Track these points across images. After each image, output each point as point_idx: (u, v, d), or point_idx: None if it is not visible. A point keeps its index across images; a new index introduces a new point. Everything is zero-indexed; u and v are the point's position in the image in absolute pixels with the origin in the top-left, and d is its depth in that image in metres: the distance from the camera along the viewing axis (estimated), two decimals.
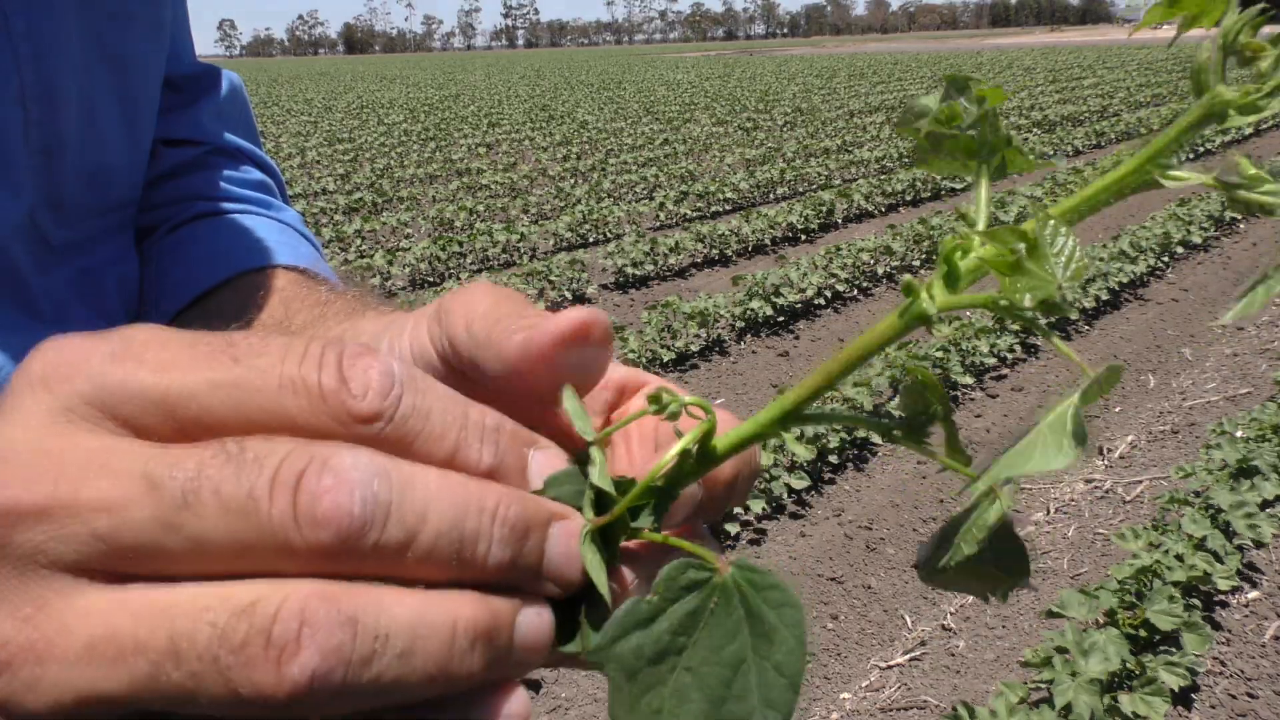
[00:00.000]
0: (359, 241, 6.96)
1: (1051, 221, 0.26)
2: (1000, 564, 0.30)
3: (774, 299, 5.09)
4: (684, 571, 0.28)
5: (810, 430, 3.35)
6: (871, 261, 5.86)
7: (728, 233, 6.49)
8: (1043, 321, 0.27)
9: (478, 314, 0.32)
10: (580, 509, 0.29)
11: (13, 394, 0.26)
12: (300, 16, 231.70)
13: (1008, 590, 0.31)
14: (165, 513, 0.24)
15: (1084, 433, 0.25)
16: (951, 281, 0.27)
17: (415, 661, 0.25)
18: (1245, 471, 2.99)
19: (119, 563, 0.24)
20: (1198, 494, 2.95)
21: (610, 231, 7.19)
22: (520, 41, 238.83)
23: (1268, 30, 0.25)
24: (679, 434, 0.30)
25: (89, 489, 0.24)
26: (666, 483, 0.30)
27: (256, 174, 0.78)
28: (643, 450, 0.35)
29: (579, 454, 0.31)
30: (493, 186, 9.08)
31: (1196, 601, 2.50)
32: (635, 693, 0.27)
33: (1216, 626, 2.60)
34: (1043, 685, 2.16)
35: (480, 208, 7.75)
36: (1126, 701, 2.10)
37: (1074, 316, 4.93)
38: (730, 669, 0.27)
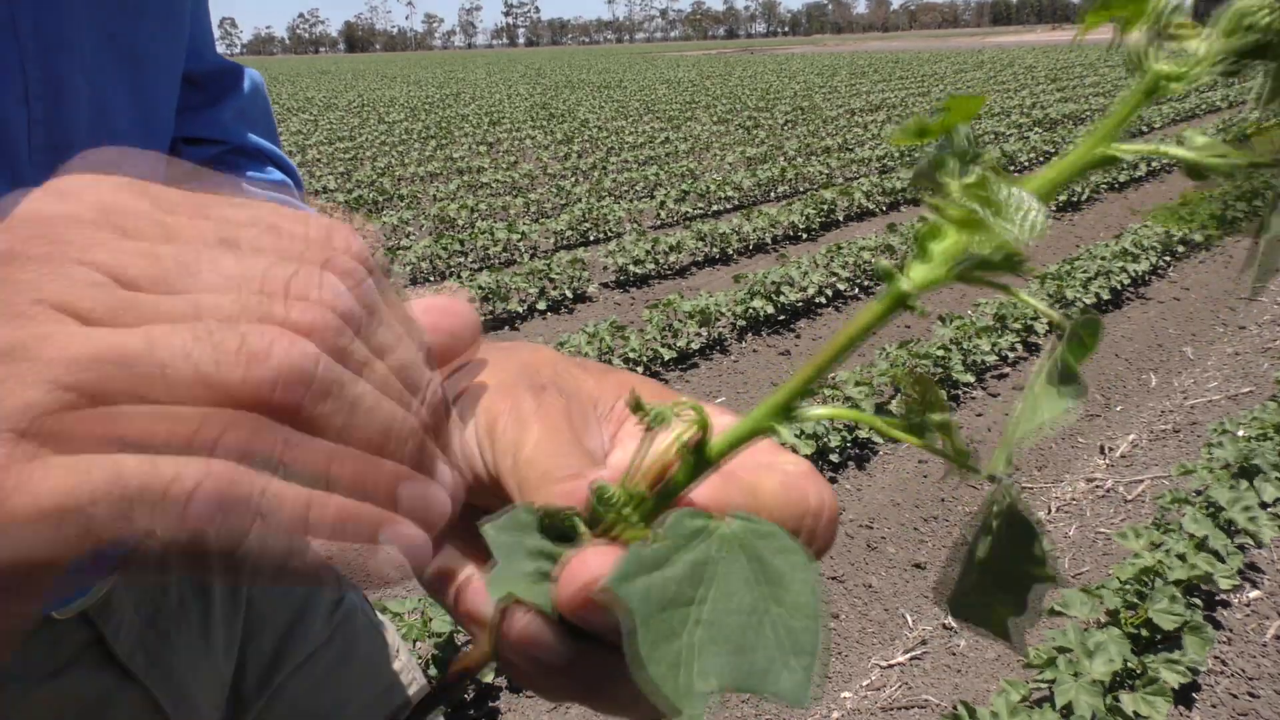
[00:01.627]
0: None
1: (1006, 179, 0.27)
2: (1023, 572, 0.29)
3: (775, 297, 5.09)
4: (687, 519, 0.28)
5: (810, 428, 3.34)
6: (873, 260, 5.86)
7: (729, 231, 6.48)
8: (1008, 283, 0.28)
9: (523, 458, 0.34)
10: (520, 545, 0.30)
11: (20, 206, 0.28)
12: (301, 15, 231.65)
13: (1040, 596, 0.30)
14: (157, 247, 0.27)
15: (1076, 376, 0.26)
16: (925, 263, 0.28)
17: (367, 417, 0.28)
18: (1247, 471, 2.98)
19: (114, 309, 0.26)
20: (1199, 493, 2.95)
21: (611, 230, 7.19)
22: (521, 40, 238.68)
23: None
24: (685, 447, 0.30)
25: (98, 241, 0.27)
26: (658, 496, 0.30)
27: (278, 174, 0.77)
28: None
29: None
30: (493, 185, 9.07)
31: (1198, 601, 2.50)
32: (650, 639, 0.26)
33: (1218, 626, 2.59)
34: (1044, 685, 2.16)
35: (481, 206, 7.74)
36: (1128, 701, 2.10)
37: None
38: (747, 616, 0.27)
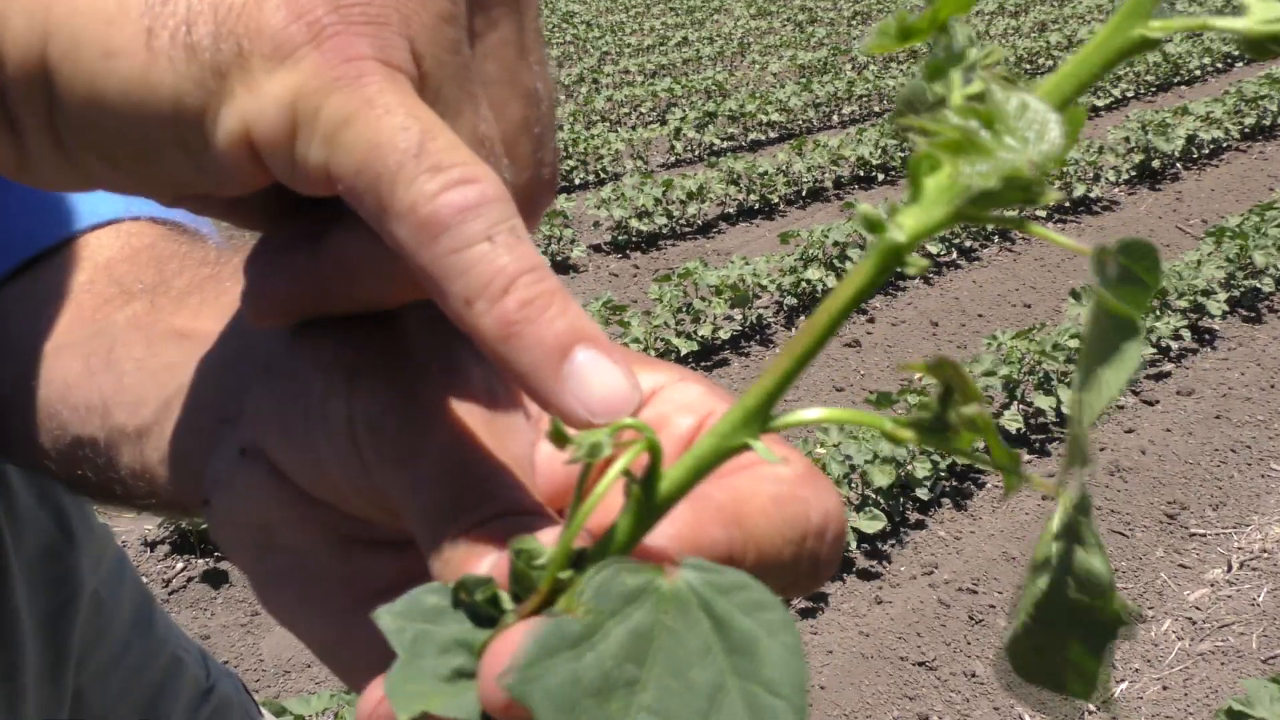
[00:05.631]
0: None
1: (1013, 88, 0.28)
2: (1079, 624, 0.30)
3: (838, 265, 5.07)
4: (616, 577, 0.29)
5: (888, 452, 3.33)
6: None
7: (772, 171, 6.48)
8: (1018, 213, 0.29)
9: (422, 480, 0.37)
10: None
11: None
12: None
13: (1106, 639, 0.31)
14: None
15: (1136, 327, 0.29)
16: (919, 204, 0.29)
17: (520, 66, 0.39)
18: None
19: None
20: None
21: (605, 169, 7.20)
22: None
23: None
24: (631, 479, 0.31)
25: None
26: (596, 548, 0.32)
27: None
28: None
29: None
30: None
31: None
32: None
33: None
34: None
35: None
36: None
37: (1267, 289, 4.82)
38: (705, 699, 0.29)
